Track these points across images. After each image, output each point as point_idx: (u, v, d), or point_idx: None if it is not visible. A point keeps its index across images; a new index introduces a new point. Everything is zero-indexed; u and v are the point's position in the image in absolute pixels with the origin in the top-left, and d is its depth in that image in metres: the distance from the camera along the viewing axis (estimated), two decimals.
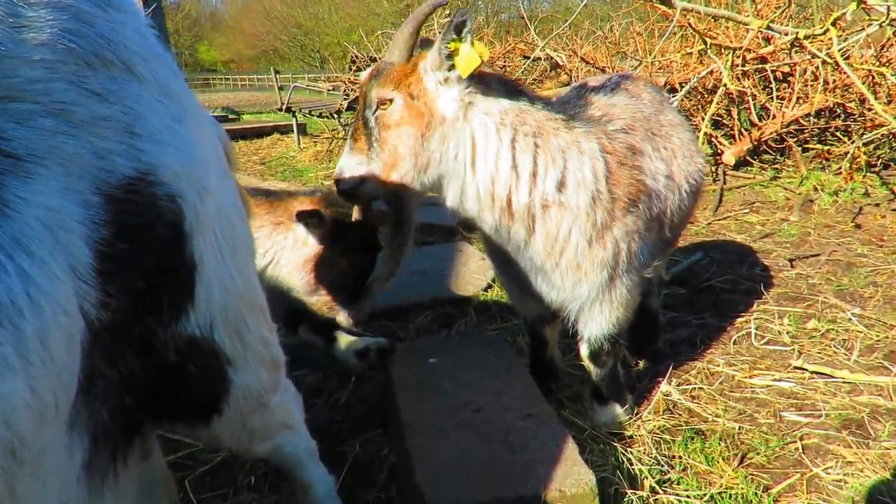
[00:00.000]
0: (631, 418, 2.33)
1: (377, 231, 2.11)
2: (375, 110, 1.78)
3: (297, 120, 10.00)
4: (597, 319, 2.07)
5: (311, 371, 2.76)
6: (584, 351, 2.21)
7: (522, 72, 9.53)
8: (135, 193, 0.86)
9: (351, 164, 1.81)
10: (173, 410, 1.15)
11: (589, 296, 1.98)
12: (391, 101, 1.77)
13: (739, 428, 2.31)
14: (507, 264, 2.08)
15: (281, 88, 11.68)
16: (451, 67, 1.73)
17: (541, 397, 2.02)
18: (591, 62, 8.73)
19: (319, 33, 41.66)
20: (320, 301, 2.10)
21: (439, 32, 1.76)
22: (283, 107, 9.69)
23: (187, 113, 1.03)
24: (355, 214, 1.96)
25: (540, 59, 9.06)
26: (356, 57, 9.90)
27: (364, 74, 1.88)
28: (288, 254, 1.99)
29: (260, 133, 11.31)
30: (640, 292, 2.15)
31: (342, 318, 2.20)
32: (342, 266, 2.03)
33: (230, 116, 12.66)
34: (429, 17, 1.87)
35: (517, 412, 1.90)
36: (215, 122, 1.40)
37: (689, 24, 5.96)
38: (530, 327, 2.45)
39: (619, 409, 2.30)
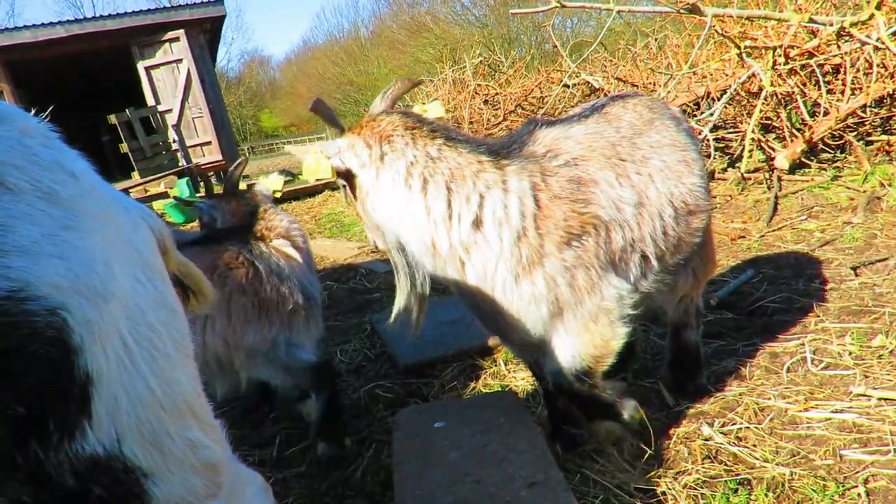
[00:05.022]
0: (633, 424, 2.13)
1: None
2: None
3: None
4: (557, 351, 1.98)
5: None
6: (550, 385, 2.11)
7: (559, 99, 9.42)
8: (1, 315, 0.82)
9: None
10: None
11: (535, 331, 1.94)
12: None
13: (791, 473, 2.04)
14: (475, 310, 2.04)
15: None
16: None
17: (549, 460, 1.84)
18: (627, 81, 8.52)
19: (370, 87, 42.97)
20: None
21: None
22: None
23: (83, 216, 0.99)
24: None
25: (571, 85, 8.92)
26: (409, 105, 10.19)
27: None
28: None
29: (313, 192, 11.67)
30: (630, 331, 2.02)
31: None
32: None
33: (285, 179, 13.17)
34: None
35: (520, 480, 1.74)
36: (149, 215, 1.37)
37: (717, 31, 5.69)
38: (533, 373, 2.32)
39: (610, 424, 2.14)
